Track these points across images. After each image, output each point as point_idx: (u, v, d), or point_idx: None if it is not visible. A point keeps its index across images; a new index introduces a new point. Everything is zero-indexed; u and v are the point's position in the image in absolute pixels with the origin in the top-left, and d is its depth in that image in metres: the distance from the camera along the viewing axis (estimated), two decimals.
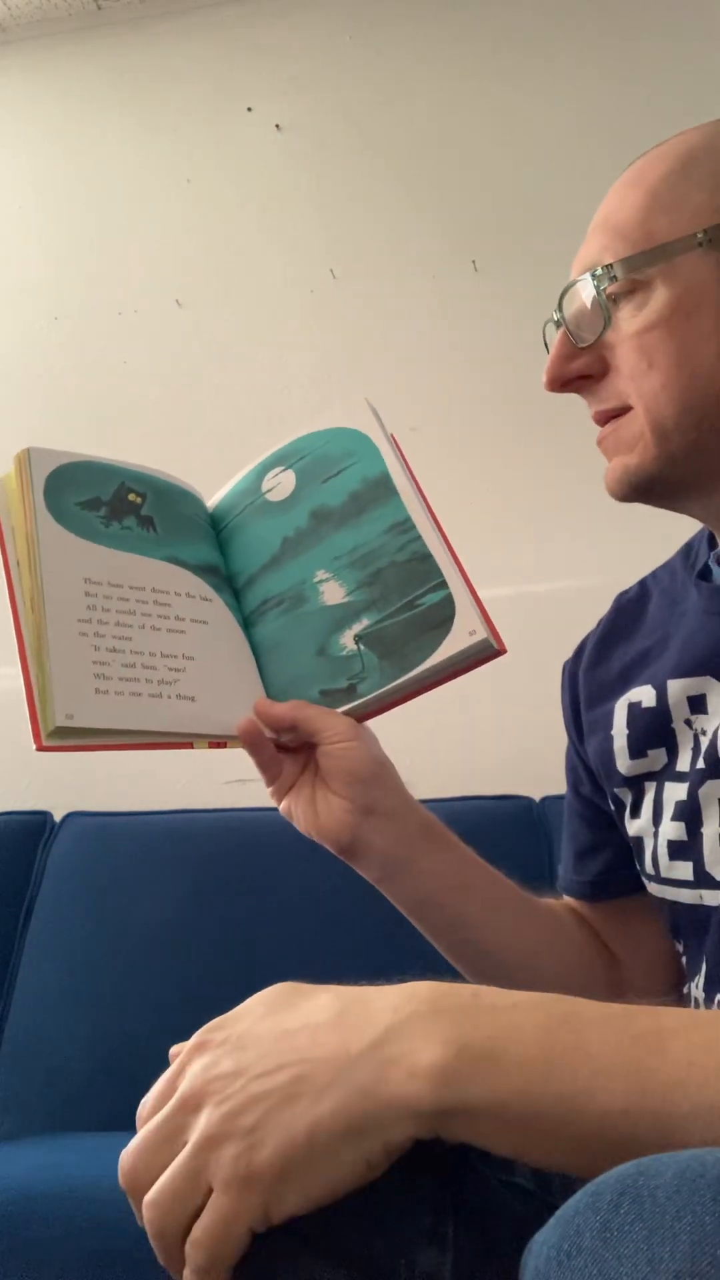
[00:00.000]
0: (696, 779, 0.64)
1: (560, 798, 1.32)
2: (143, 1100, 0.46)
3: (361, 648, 0.68)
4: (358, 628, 0.69)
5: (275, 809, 1.40)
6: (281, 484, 0.76)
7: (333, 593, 0.71)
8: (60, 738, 0.60)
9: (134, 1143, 0.44)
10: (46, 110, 1.91)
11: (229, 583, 0.75)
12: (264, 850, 1.34)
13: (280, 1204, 0.40)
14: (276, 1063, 0.42)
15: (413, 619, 0.67)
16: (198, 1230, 0.41)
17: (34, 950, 1.32)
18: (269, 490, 0.76)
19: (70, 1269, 0.78)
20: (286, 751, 0.70)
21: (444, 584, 0.67)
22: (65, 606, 0.63)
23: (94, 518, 0.69)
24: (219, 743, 0.66)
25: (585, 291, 0.63)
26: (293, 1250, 0.42)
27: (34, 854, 1.42)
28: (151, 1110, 0.45)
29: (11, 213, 1.89)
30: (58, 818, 1.46)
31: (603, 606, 0.82)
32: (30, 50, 1.92)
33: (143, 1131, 0.44)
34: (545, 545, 1.59)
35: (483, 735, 1.52)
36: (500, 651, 0.65)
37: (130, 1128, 0.47)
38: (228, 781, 1.60)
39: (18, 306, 1.85)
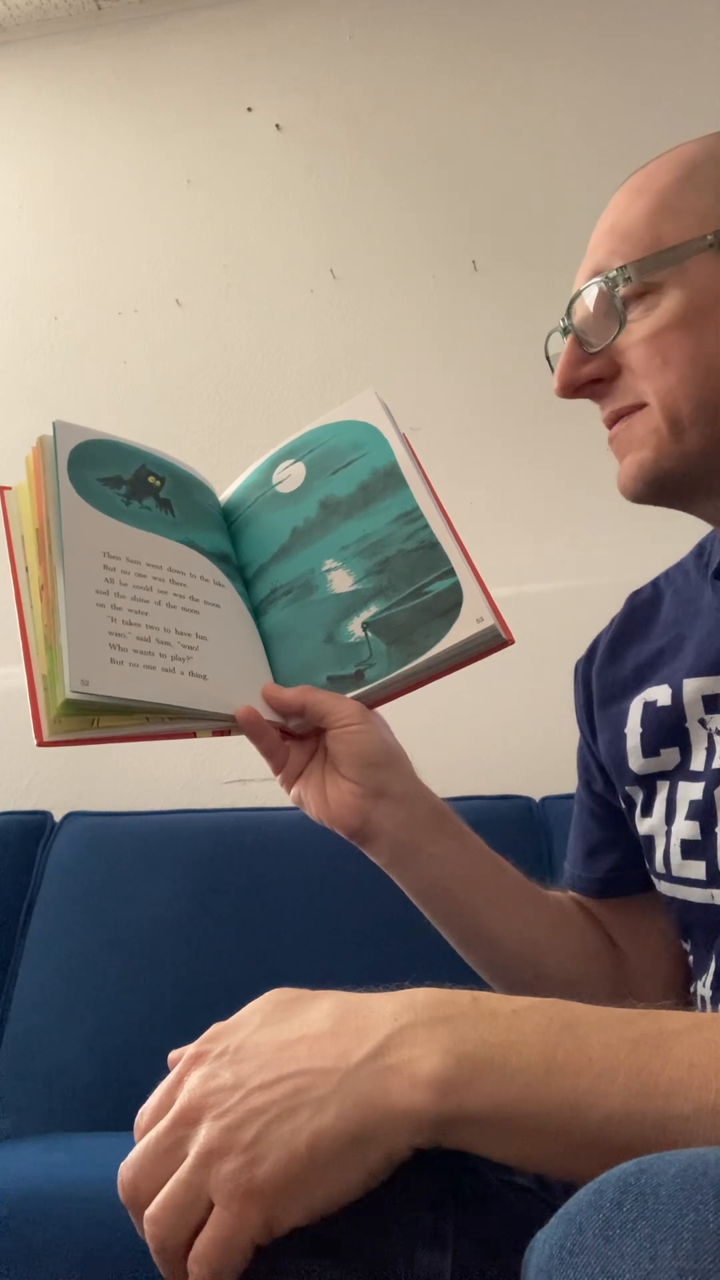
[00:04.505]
0: (712, 779, 0.64)
1: (560, 798, 1.33)
2: (140, 1110, 0.46)
3: (369, 635, 0.68)
4: (366, 615, 0.69)
5: (276, 809, 1.40)
6: (292, 476, 0.77)
7: (341, 581, 0.71)
8: (64, 730, 0.60)
9: (133, 1156, 0.44)
10: (46, 110, 1.91)
11: (240, 572, 0.76)
12: (264, 850, 1.34)
13: (282, 1217, 0.40)
14: (276, 1074, 0.42)
15: (420, 606, 0.67)
16: (200, 1245, 0.41)
17: (34, 950, 1.32)
18: (280, 482, 0.77)
19: (70, 1269, 0.78)
20: (294, 738, 0.70)
21: (451, 572, 0.67)
22: (84, 577, 0.64)
23: (115, 495, 0.70)
24: (222, 730, 0.67)
25: (595, 297, 0.63)
26: (293, 1251, 0.42)
27: (34, 854, 1.41)
28: (150, 1121, 0.44)
29: (11, 212, 1.89)
30: (58, 818, 1.46)
31: (603, 606, 0.82)
32: (30, 50, 1.92)
33: (141, 1144, 0.44)
34: (545, 545, 1.59)
35: (483, 735, 1.52)
36: (508, 641, 0.65)
37: (129, 1127, 0.46)
38: (228, 781, 1.60)
39: (18, 306, 1.85)
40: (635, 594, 0.79)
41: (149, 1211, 0.42)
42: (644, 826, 0.70)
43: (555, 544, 1.58)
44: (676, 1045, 0.38)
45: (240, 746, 0.69)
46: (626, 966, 0.76)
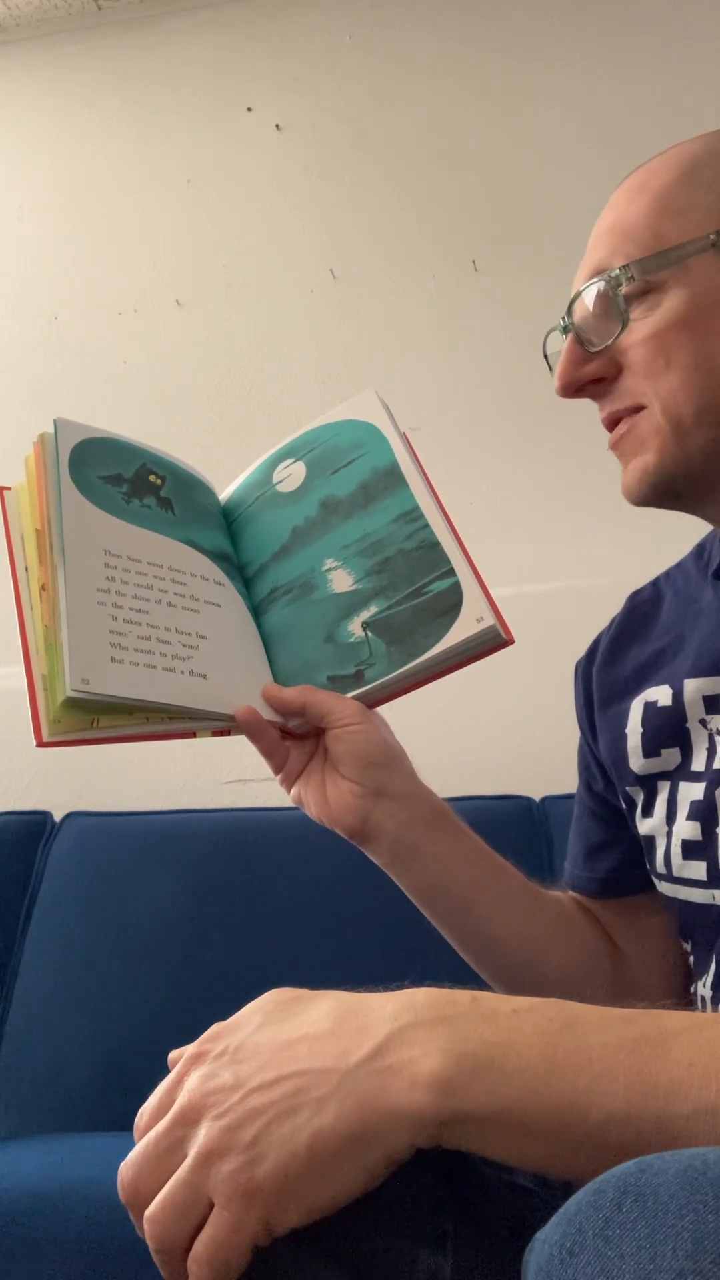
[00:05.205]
0: (713, 779, 0.64)
1: (560, 798, 1.33)
2: (140, 1110, 0.46)
3: (370, 634, 0.68)
4: (366, 615, 0.69)
5: (276, 809, 1.40)
6: (292, 475, 0.77)
7: (341, 580, 0.71)
8: (63, 730, 0.60)
9: (133, 1156, 0.44)
10: (47, 110, 1.91)
11: (240, 572, 0.76)
12: (264, 850, 1.34)
13: (282, 1217, 0.40)
14: (276, 1074, 0.42)
15: (421, 606, 0.67)
16: (199, 1246, 0.41)
17: (34, 950, 1.32)
18: (280, 482, 0.77)
19: (70, 1269, 0.78)
20: (294, 738, 0.70)
21: (452, 572, 0.67)
22: (85, 575, 0.64)
23: (116, 493, 0.70)
24: (222, 730, 0.67)
25: (596, 296, 0.63)
26: (293, 1251, 0.42)
27: (34, 854, 1.41)
28: (150, 1121, 0.44)
29: (11, 212, 1.89)
30: (58, 818, 1.46)
31: (603, 606, 0.82)
32: (30, 50, 1.92)
33: (141, 1144, 0.44)
34: (545, 545, 1.59)
35: (483, 735, 1.52)
36: (508, 641, 0.65)
37: (129, 1127, 0.46)
38: (228, 781, 1.60)
39: (18, 306, 1.85)
40: (635, 594, 0.79)
41: (149, 1211, 0.42)
42: (644, 827, 0.70)
43: (555, 544, 1.58)
44: (676, 1045, 0.38)
45: (240, 746, 0.69)
46: (626, 966, 0.76)
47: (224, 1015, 0.47)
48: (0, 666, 1.54)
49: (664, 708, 0.69)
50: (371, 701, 0.68)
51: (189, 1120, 0.43)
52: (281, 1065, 0.42)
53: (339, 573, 0.71)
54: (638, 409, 0.63)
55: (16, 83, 1.93)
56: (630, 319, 0.62)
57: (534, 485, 1.61)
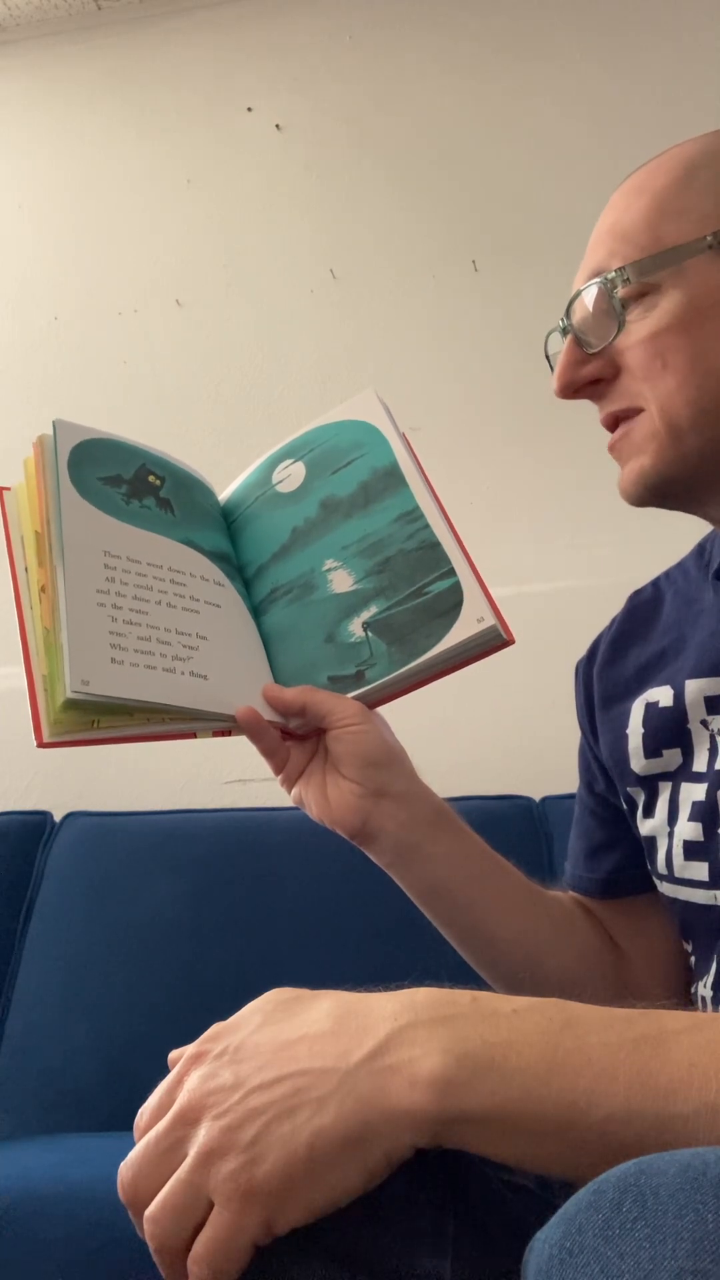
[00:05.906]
0: (714, 780, 0.64)
1: (561, 798, 1.33)
2: (140, 1110, 0.46)
3: (370, 635, 0.68)
4: (366, 615, 0.69)
5: (276, 809, 1.40)
6: (292, 475, 0.77)
7: (341, 581, 0.71)
8: (64, 730, 0.60)
9: (133, 1156, 0.44)
10: (47, 110, 1.91)
11: (240, 572, 0.76)
12: (264, 850, 1.34)
13: (282, 1217, 0.40)
14: (275, 1074, 0.42)
15: (421, 606, 0.67)
16: (199, 1246, 0.41)
17: (34, 950, 1.32)
18: (279, 482, 0.77)
19: (70, 1269, 0.78)
20: (295, 738, 0.70)
21: (452, 572, 0.67)
22: (85, 577, 0.64)
23: (115, 494, 0.70)
24: (222, 730, 0.67)
25: (594, 297, 0.63)
26: (293, 1251, 0.42)
27: (34, 854, 1.41)
28: (150, 1121, 0.44)
29: (11, 212, 1.89)
30: (58, 818, 1.46)
31: (603, 606, 0.82)
32: (30, 50, 1.92)
33: (141, 1144, 0.44)
34: (545, 545, 1.59)
35: (483, 735, 1.52)
36: (508, 641, 0.65)
37: (129, 1127, 0.46)
38: (228, 781, 1.60)
39: (18, 306, 1.85)
40: (636, 594, 0.79)
41: (149, 1211, 0.42)
42: (646, 828, 0.70)
43: (555, 544, 1.58)
44: (676, 1045, 0.38)
45: (240, 746, 0.69)
46: (627, 967, 0.76)
47: (224, 1015, 0.47)
48: (0, 667, 1.54)
49: (665, 708, 0.69)
50: (372, 702, 0.68)
51: (189, 1120, 0.43)
52: (281, 1065, 0.42)
53: (339, 573, 0.71)
54: (635, 410, 0.63)
55: (16, 83, 1.93)
56: (627, 321, 0.62)
57: (534, 485, 1.61)
